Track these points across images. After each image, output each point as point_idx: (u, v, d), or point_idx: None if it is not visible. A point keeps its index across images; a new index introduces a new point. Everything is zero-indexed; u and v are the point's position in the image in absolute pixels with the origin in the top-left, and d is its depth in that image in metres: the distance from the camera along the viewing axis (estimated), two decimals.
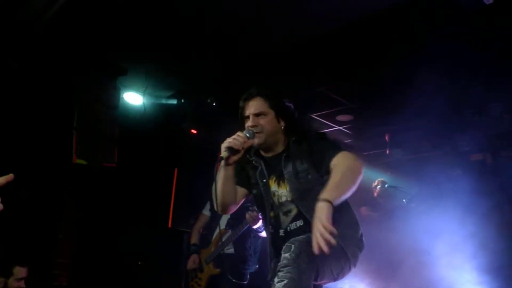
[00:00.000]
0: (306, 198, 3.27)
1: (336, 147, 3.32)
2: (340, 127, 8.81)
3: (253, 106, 3.41)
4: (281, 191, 3.40)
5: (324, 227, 2.75)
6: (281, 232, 3.39)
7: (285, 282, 2.85)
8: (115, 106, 6.82)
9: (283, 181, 3.37)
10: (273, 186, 3.43)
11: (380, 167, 9.19)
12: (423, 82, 6.51)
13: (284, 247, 3.03)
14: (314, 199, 2.98)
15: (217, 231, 6.12)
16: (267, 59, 6.50)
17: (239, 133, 3.30)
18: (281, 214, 3.40)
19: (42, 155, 6.56)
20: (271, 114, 3.40)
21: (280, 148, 3.47)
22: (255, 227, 5.74)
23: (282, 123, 3.43)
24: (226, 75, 6.88)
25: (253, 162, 3.50)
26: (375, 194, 8.43)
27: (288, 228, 3.36)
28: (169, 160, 7.66)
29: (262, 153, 3.51)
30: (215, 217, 6.24)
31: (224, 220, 6.09)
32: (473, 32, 5.63)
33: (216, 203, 3.42)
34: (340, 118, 8.49)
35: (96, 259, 6.97)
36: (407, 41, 5.88)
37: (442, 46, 5.82)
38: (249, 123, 3.38)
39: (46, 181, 6.69)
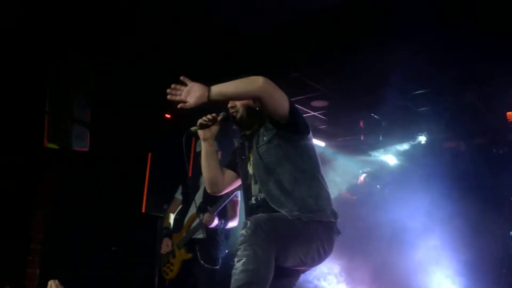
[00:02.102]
0: (261, 162, 3.38)
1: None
2: (315, 113, 8.81)
3: None
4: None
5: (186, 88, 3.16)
6: (252, 200, 3.44)
7: (243, 260, 2.88)
8: (87, 89, 6.73)
9: (251, 152, 3.51)
10: (251, 158, 3.52)
11: (354, 153, 9.23)
12: (398, 68, 6.53)
13: (242, 224, 3.06)
14: (269, 161, 3.30)
15: (188, 215, 6.10)
16: (242, 44, 6.46)
17: (211, 114, 3.50)
18: (253, 183, 3.46)
19: (13, 139, 6.46)
20: None
21: (257, 125, 3.57)
22: (212, 226, 5.76)
23: (258, 104, 3.46)
24: (201, 60, 6.82)
25: (238, 141, 3.69)
26: (359, 182, 8.50)
27: (259, 197, 3.39)
28: (142, 145, 7.60)
29: (246, 132, 3.62)
30: (186, 202, 6.23)
31: (194, 206, 6.07)
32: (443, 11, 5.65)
33: (205, 182, 3.65)
34: (315, 103, 8.49)
35: (68, 245, 6.90)
36: (382, 25, 5.87)
37: (415, 31, 5.83)
38: (228, 104, 3.56)
39: (17, 165, 6.60)
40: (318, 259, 3.28)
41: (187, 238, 6.00)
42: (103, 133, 7.05)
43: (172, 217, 6.49)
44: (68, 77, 6.60)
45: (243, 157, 3.59)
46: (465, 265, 6.81)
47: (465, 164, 7.65)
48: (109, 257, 7.25)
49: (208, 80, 3.26)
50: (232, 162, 3.76)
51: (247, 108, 3.52)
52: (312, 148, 3.51)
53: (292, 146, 3.40)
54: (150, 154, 7.60)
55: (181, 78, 3.23)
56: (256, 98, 3.30)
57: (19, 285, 6.40)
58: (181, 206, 6.41)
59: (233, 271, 2.91)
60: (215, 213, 5.71)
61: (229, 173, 3.71)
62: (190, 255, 5.95)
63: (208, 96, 3.11)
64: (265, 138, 3.41)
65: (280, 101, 3.29)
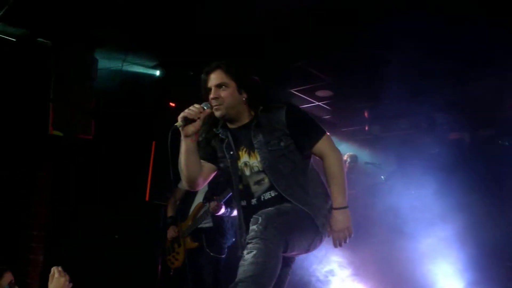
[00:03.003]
0: (276, 167, 3.32)
1: (319, 128, 3.44)
2: (320, 103, 8.80)
3: (214, 79, 3.38)
4: (252, 161, 3.38)
5: (350, 233, 3.35)
6: (254, 201, 3.39)
7: (254, 252, 2.88)
8: (92, 77, 6.73)
9: (253, 151, 3.37)
10: (244, 157, 3.41)
11: (359, 143, 9.22)
12: (403, 59, 6.50)
13: (251, 219, 3.05)
14: (286, 168, 3.28)
15: (194, 205, 6.10)
16: (247, 34, 6.44)
17: (195, 104, 3.30)
18: (251, 184, 3.39)
19: (16, 126, 6.46)
20: (232, 85, 3.37)
21: (246, 119, 3.46)
22: (219, 214, 5.76)
23: (244, 95, 3.40)
24: (204, 47, 6.80)
25: (220, 134, 3.48)
26: (345, 169, 8.43)
27: (262, 197, 3.36)
28: (147, 133, 7.59)
29: (229, 125, 3.49)
30: (192, 192, 6.22)
31: (201, 194, 6.08)
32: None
33: (183, 179, 3.44)
34: (319, 93, 8.48)
35: (72, 232, 6.92)
36: (387, 15, 5.84)
37: (420, 21, 5.80)
38: (210, 95, 3.36)
39: (21, 152, 6.60)
40: (319, 244, 3.38)
41: (193, 227, 6.01)
42: (107, 121, 7.05)
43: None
44: (72, 65, 6.58)
45: (231, 152, 3.43)
46: (470, 257, 6.78)
47: (470, 155, 7.62)
48: (112, 245, 7.27)
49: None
50: (209, 154, 3.53)
51: (233, 99, 3.36)
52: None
53: (307, 156, 3.45)
54: (154, 142, 7.60)
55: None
56: None
57: (22, 271, 6.42)
58: (183, 195, 6.40)
59: (242, 262, 2.92)
60: (222, 201, 5.71)
61: (208, 166, 3.52)
62: (196, 244, 5.97)
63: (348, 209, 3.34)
64: (282, 144, 3.33)
65: None
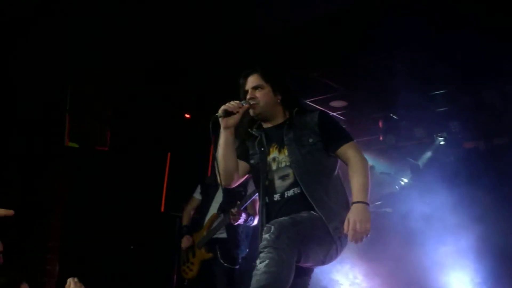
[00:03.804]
0: (302, 162, 3.37)
1: (347, 133, 3.55)
2: (334, 113, 8.79)
3: (250, 81, 3.57)
4: (281, 157, 3.46)
5: (367, 230, 3.12)
6: (276, 197, 3.43)
7: (266, 262, 2.89)
8: (108, 88, 6.77)
9: (283, 147, 3.46)
10: (274, 153, 3.51)
11: (374, 154, 9.19)
12: (416, 68, 6.51)
13: (264, 228, 3.07)
14: (311, 165, 3.33)
15: (208, 215, 6.11)
16: (261, 44, 6.47)
17: (234, 100, 3.45)
18: (276, 179, 3.45)
19: (33, 138, 6.52)
20: (267, 87, 3.54)
21: (280, 119, 3.60)
22: (240, 221, 5.73)
23: (279, 96, 3.55)
24: (218, 61, 6.83)
25: (254, 132, 3.62)
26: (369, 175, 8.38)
27: (286, 194, 3.40)
28: (162, 144, 7.63)
29: (264, 125, 3.64)
30: (206, 201, 6.24)
31: (215, 205, 6.09)
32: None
33: (219, 173, 3.50)
34: (334, 104, 8.47)
35: (87, 243, 6.94)
36: (403, 26, 5.85)
37: (433, 31, 5.81)
38: (247, 96, 3.53)
39: (38, 164, 6.66)
40: (335, 257, 3.35)
41: (207, 237, 6.02)
42: (123, 132, 7.09)
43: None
44: (89, 76, 6.63)
45: (262, 149, 3.55)
46: (487, 269, 6.74)
47: (485, 164, 7.58)
48: (127, 256, 7.29)
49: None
50: (243, 153, 3.67)
51: (268, 99, 3.52)
52: (337, 159, 3.56)
53: (331, 155, 3.46)
54: (169, 153, 7.64)
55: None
56: None
57: (39, 282, 6.45)
58: (199, 205, 6.43)
59: (255, 271, 2.92)
60: (241, 208, 5.68)
61: (242, 164, 3.64)
62: (210, 255, 5.97)
63: (368, 207, 3.21)
64: (310, 140, 3.41)
65: None
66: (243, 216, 5.65)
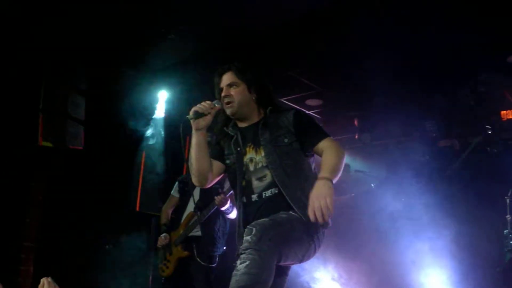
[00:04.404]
0: (279, 163, 3.36)
1: (323, 129, 3.50)
2: (310, 112, 8.81)
3: (226, 79, 3.53)
4: (258, 158, 3.45)
5: (328, 204, 2.97)
6: (254, 197, 3.42)
7: (246, 263, 2.87)
8: (82, 88, 6.73)
9: (259, 147, 3.45)
10: (251, 153, 3.49)
11: (349, 152, 9.23)
12: (393, 68, 6.54)
13: (246, 230, 3.05)
14: (288, 166, 3.31)
15: (186, 213, 6.10)
16: (239, 42, 6.47)
17: (206, 101, 3.44)
18: (253, 179, 3.44)
19: (7, 137, 6.45)
20: (243, 85, 3.51)
21: (255, 118, 3.57)
22: (223, 209, 5.73)
23: (254, 95, 3.52)
24: (197, 58, 6.82)
25: (229, 132, 3.59)
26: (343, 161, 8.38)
27: (264, 194, 3.39)
28: (137, 143, 7.59)
29: (239, 124, 3.61)
30: (184, 199, 6.23)
31: (192, 204, 6.07)
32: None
33: (193, 174, 3.50)
34: (309, 102, 8.50)
35: (62, 243, 6.89)
36: (377, 25, 5.88)
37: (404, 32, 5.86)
38: (222, 94, 3.50)
39: (12, 163, 6.58)
40: (312, 255, 3.36)
41: (184, 235, 6.00)
42: (97, 131, 7.04)
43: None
44: (63, 75, 6.58)
45: (239, 149, 3.53)
46: (461, 266, 6.79)
47: (459, 162, 7.64)
48: (103, 255, 7.25)
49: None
50: (218, 153, 3.64)
51: (243, 97, 3.49)
52: (313, 157, 3.55)
53: (306, 155, 3.46)
54: (144, 152, 7.60)
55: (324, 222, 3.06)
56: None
57: (13, 283, 6.39)
58: (177, 203, 6.41)
59: (235, 272, 2.90)
60: (228, 195, 5.66)
61: (217, 164, 3.60)
62: (186, 253, 5.96)
63: (332, 185, 3.09)
64: (286, 140, 3.40)
65: None
66: (228, 202, 5.67)
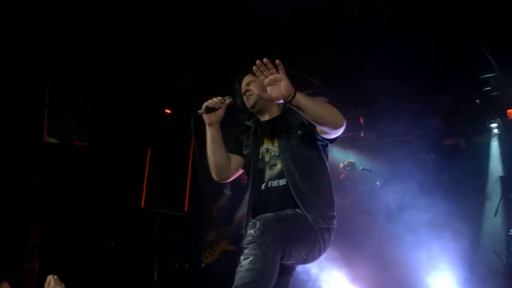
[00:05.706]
0: (290, 154, 3.38)
1: None
2: None
3: (244, 81, 3.61)
4: (274, 148, 3.48)
5: (277, 78, 3.04)
6: (263, 186, 3.45)
7: (250, 259, 2.87)
8: (88, 84, 6.72)
9: (275, 138, 3.48)
10: (267, 144, 3.53)
11: (355, 150, 9.22)
12: (399, 66, 6.53)
13: (250, 223, 3.07)
14: (299, 158, 3.33)
15: (239, 213, 6.24)
16: (241, 40, 6.46)
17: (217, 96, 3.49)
18: (267, 169, 3.48)
19: (12, 133, 6.45)
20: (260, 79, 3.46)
21: (275, 112, 3.61)
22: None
23: None
24: (198, 57, 6.81)
25: (250, 124, 3.66)
26: (342, 176, 8.38)
27: (270, 184, 3.42)
28: (142, 140, 7.58)
29: (260, 118, 3.65)
30: (236, 198, 6.46)
31: (245, 205, 6.14)
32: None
33: (212, 169, 3.57)
34: None
35: (67, 240, 6.89)
36: (382, 22, 5.88)
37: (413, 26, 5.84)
38: (242, 91, 3.59)
39: (15, 159, 6.59)
40: (317, 256, 3.35)
41: (235, 233, 6.14)
42: (102, 127, 7.04)
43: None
44: (68, 71, 6.58)
45: (256, 139, 3.59)
46: (467, 267, 6.80)
47: (466, 161, 7.64)
48: (108, 252, 7.25)
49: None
50: (237, 147, 3.72)
51: (262, 88, 3.37)
52: (327, 156, 3.56)
53: (320, 149, 3.47)
54: (149, 149, 7.59)
55: (277, 62, 3.11)
56: (325, 128, 3.22)
57: (17, 279, 6.39)
58: (227, 200, 6.58)
59: (239, 268, 2.89)
60: None
61: (236, 158, 3.68)
62: (232, 248, 6.13)
63: (292, 99, 3.03)
64: (299, 132, 3.42)
65: (339, 132, 3.31)
66: None
